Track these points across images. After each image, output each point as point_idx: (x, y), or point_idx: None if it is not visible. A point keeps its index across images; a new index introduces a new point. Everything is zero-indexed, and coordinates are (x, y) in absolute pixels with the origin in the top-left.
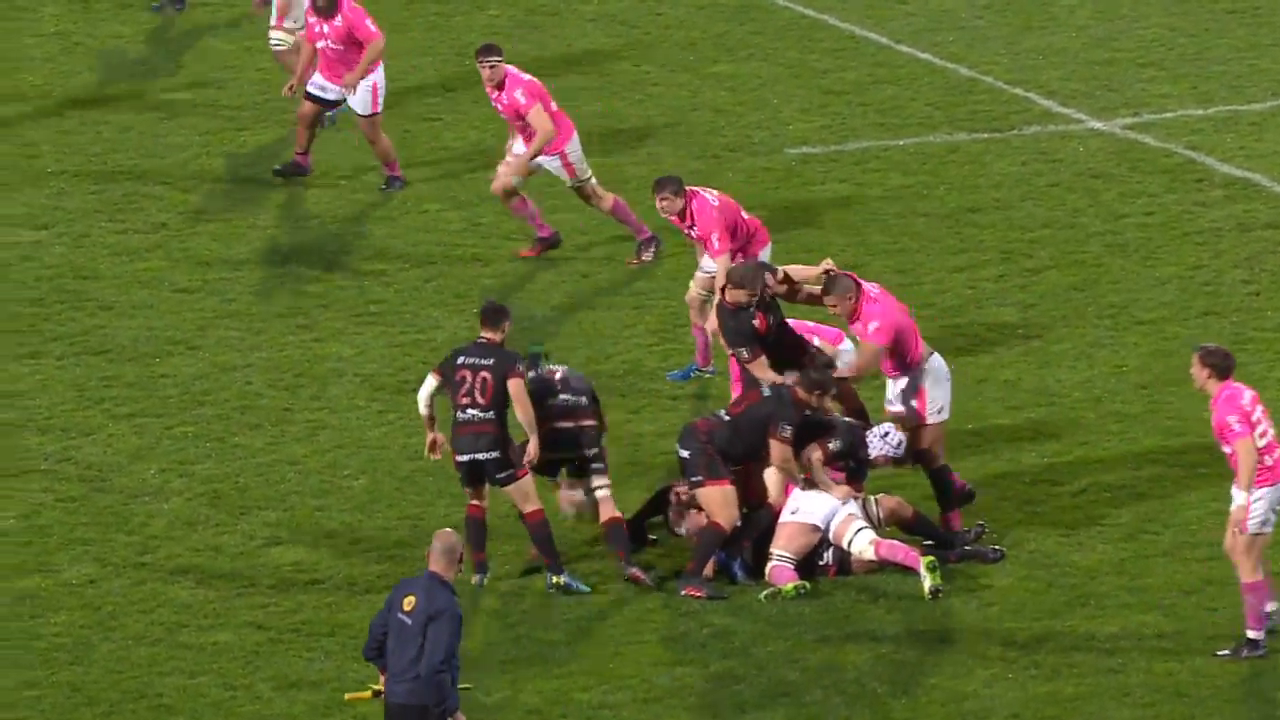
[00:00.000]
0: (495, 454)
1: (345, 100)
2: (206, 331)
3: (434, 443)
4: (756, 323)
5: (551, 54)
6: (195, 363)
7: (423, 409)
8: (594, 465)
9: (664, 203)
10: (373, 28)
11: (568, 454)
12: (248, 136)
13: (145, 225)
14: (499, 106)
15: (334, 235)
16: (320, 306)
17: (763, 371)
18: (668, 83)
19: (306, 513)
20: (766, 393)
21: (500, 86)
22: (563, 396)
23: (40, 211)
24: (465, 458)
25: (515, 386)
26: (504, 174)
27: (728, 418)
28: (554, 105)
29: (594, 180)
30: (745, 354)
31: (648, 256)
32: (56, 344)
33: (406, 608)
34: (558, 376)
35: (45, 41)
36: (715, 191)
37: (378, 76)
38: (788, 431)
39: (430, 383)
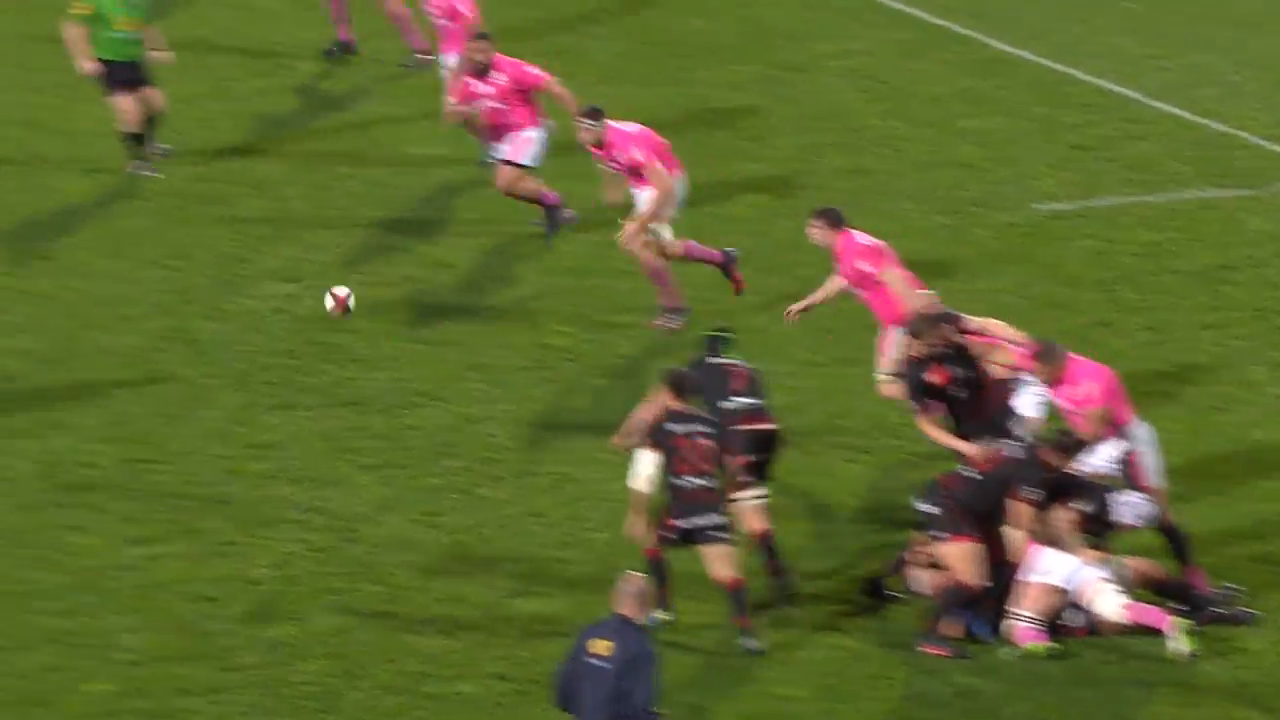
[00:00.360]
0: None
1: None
2: (452, 384)
3: (639, 524)
4: (934, 377)
5: (799, 109)
6: (441, 415)
7: (646, 487)
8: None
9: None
10: (537, 70)
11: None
12: (490, 190)
13: (393, 277)
14: (611, 165)
15: (581, 288)
16: (566, 360)
17: (931, 429)
18: (914, 138)
19: (550, 564)
20: (1014, 452)
21: (601, 145)
22: (745, 400)
23: (291, 264)
24: (686, 523)
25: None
26: (633, 236)
27: (973, 475)
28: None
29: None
30: (914, 407)
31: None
32: (307, 395)
33: (601, 652)
34: (743, 373)
35: (294, 95)
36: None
37: (537, 132)
38: (1033, 493)
39: (650, 457)
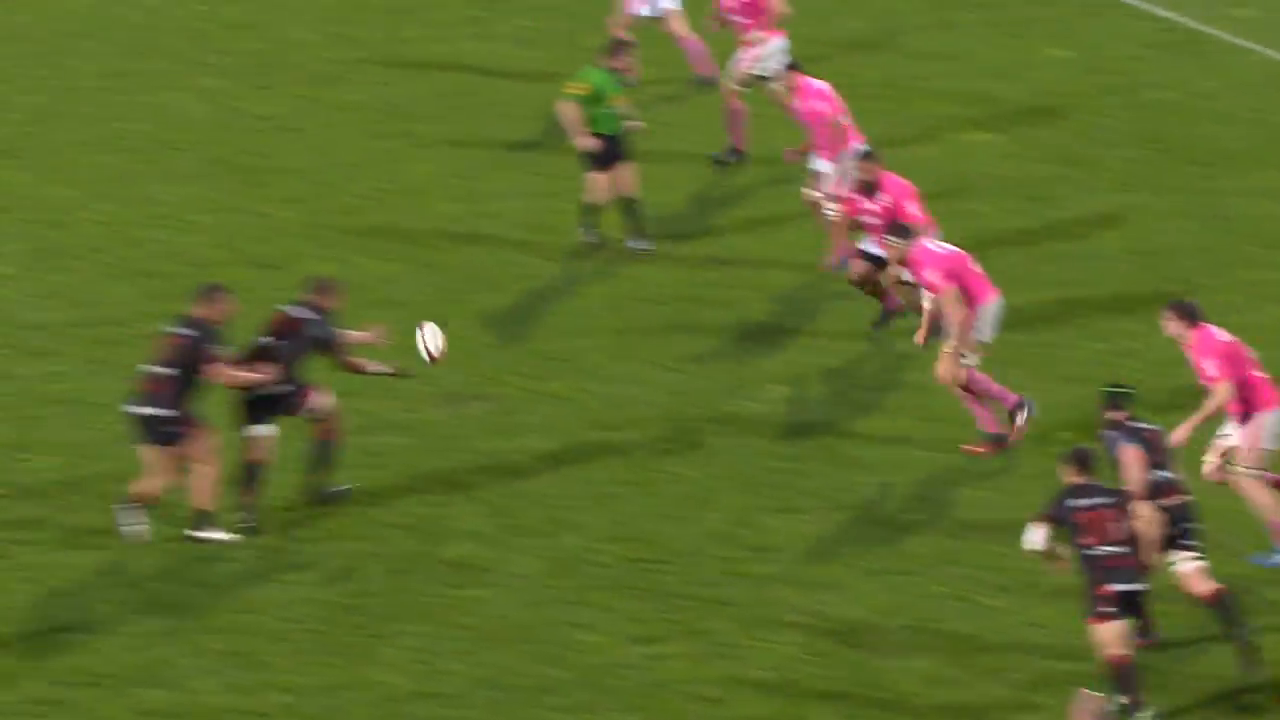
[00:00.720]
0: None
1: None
2: (953, 490)
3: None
4: None
5: None
6: (943, 521)
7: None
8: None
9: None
10: (916, 208)
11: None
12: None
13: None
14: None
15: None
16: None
17: None
18: None
19: (1050, 673)
20: None
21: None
22: (1166, 474)
23: (791, 367)
24: (1126, 587)
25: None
26: (946, 369)
27: None
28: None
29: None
30: None
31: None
32: (808, 499)
33: None
34: (1163, 442)
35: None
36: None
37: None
38: None
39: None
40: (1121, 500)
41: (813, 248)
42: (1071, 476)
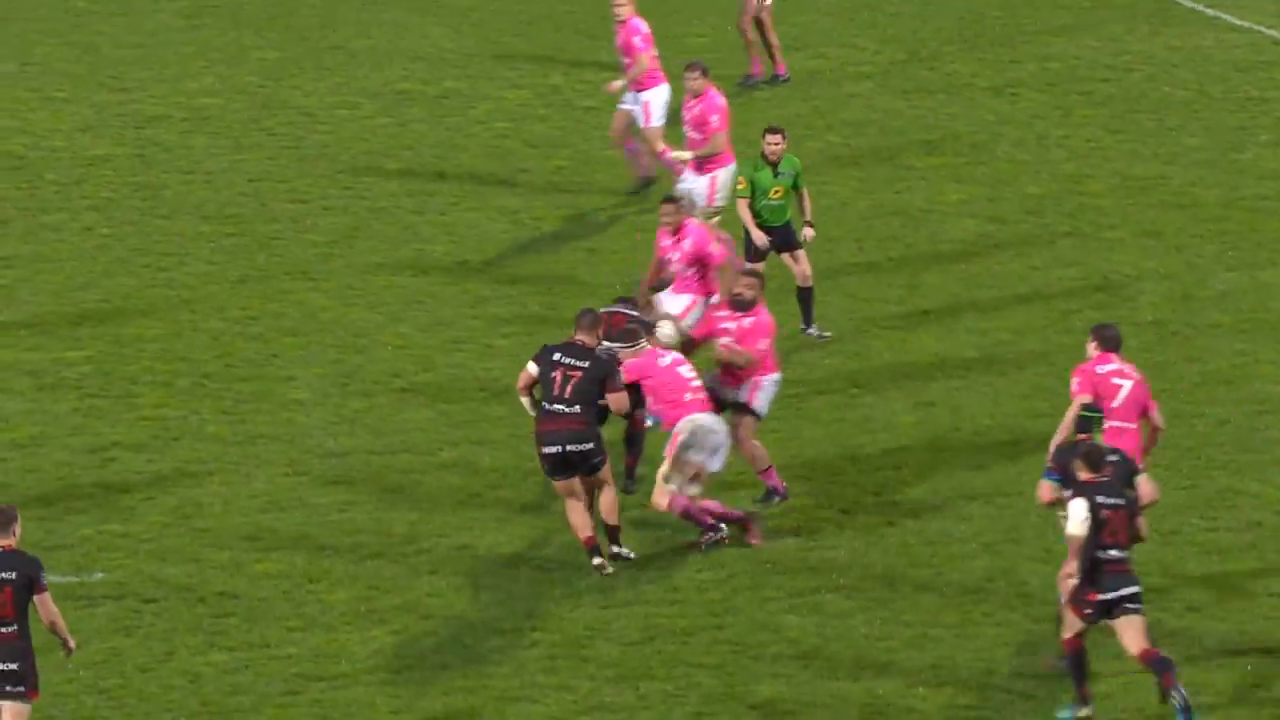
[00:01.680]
0: None
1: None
2: None
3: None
4: None
5: None
6: None
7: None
8: None
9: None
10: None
11: None
12: None
13: (1237, 523)
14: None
15: None
16: None
17: None
18: None
19: None
20: None
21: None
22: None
23: None
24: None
25: None
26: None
27: None
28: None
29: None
30: None
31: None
32: None
33: None
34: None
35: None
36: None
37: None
38: None
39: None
40: (1131, 506)
41: None
42: (1084, 473)
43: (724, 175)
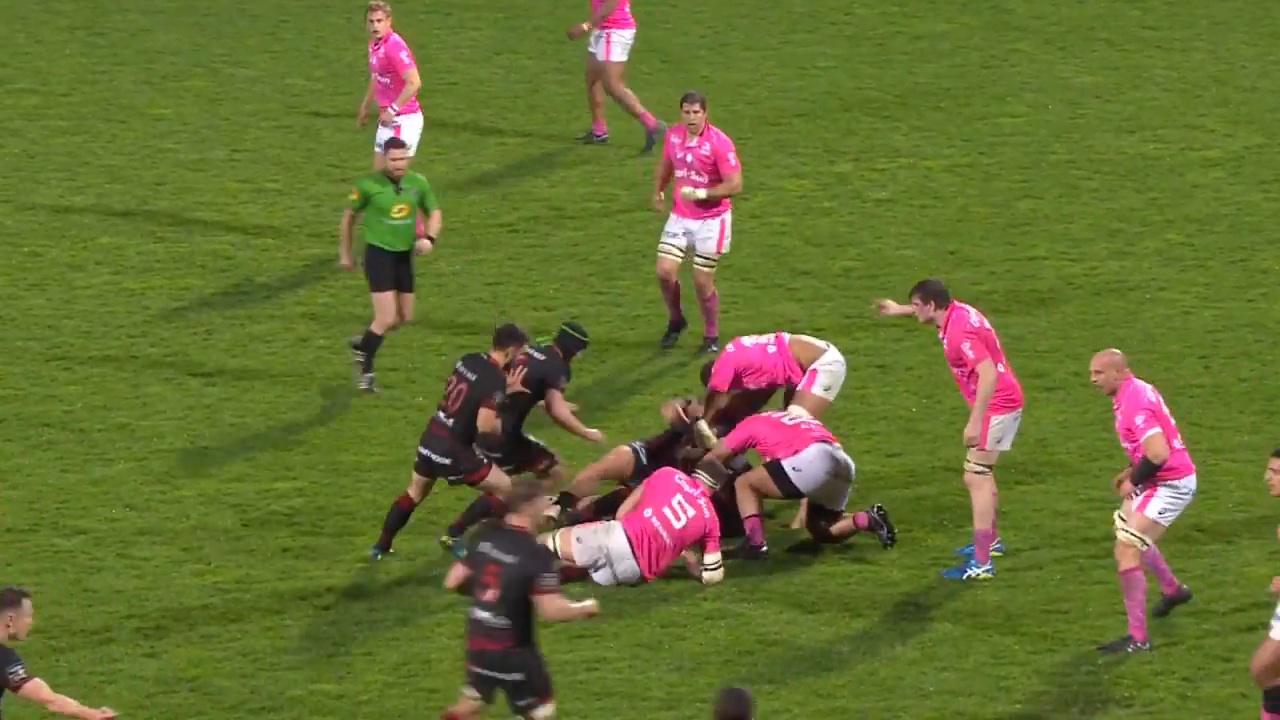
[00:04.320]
0: None
1: None
2: None
3: None
4: None
5: None
6: None
7: None
8: None
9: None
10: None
11: None
12: None
13: None
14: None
15: None
16: None
17: None
18: None
19: None
20: None
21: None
22: None
23: None
24: None
25: None
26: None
27: None
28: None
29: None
30: None
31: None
32: None
33: None
34: None
35: None
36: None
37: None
38: None
39: None
40: None
41: None
42: None
43: (729, 218)
